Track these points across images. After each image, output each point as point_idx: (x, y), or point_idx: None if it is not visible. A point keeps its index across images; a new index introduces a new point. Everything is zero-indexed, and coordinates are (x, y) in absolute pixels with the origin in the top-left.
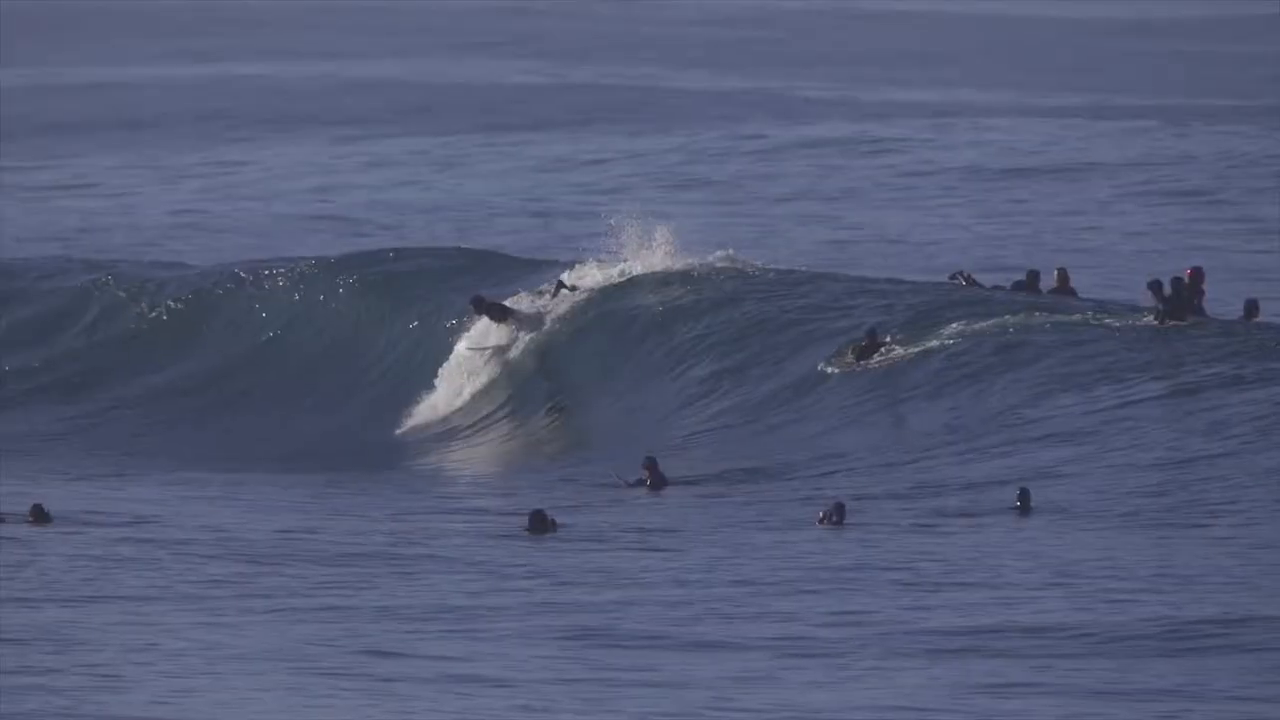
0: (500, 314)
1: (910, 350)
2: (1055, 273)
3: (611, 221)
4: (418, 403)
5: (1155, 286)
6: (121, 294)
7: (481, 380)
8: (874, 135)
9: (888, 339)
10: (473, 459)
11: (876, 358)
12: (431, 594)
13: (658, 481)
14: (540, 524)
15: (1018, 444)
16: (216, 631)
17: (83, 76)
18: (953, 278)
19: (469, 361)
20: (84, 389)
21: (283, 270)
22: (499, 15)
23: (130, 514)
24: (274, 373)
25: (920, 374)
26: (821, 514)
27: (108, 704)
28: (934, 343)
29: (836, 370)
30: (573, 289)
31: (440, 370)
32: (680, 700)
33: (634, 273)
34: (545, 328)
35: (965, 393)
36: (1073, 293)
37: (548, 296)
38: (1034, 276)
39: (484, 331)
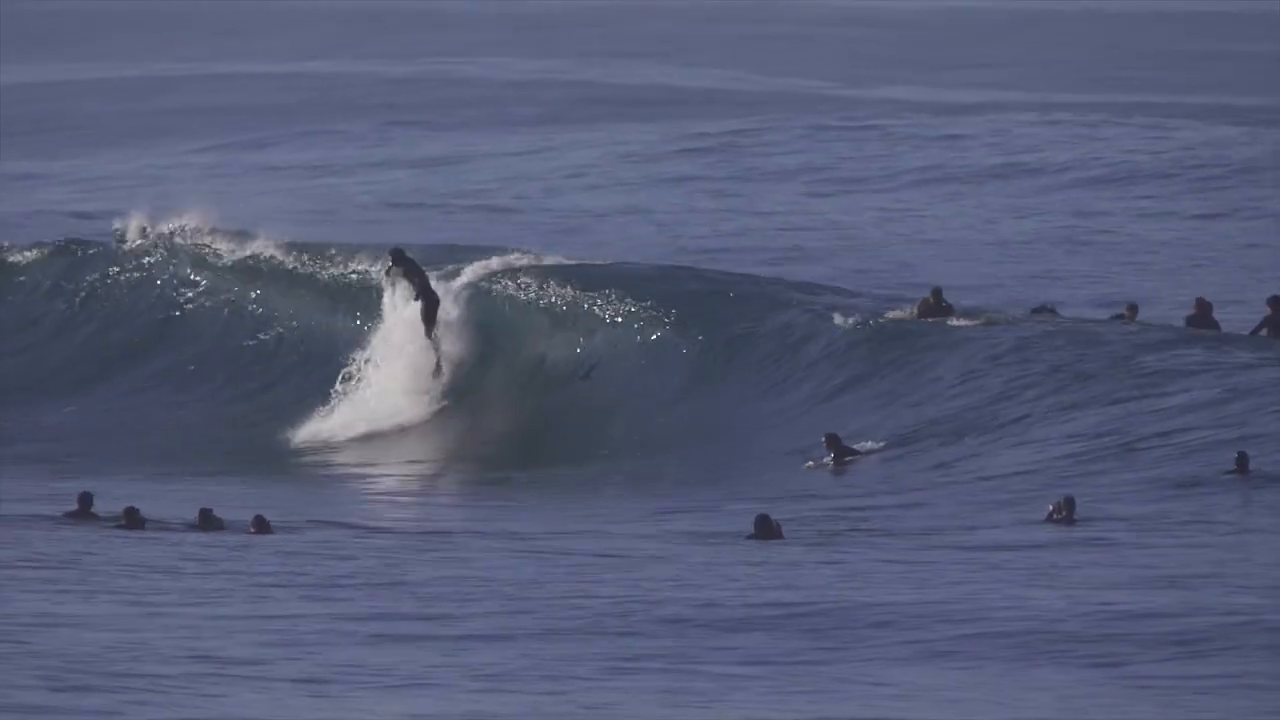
0: (414, 272)
1: (983, 319)
2: (1195, 302)
3: None
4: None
5: (1274, 302)
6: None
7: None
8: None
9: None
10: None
11: (951, 320)
12: (695, 599)
13: (841, 453)
14: (766, 529)
15: (1176, 400)
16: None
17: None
18: (1036, 310)
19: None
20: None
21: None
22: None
23: (326, 517)
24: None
25: (1015, 338)
26: (1052, 507)
27: None
28: (1006, 318)
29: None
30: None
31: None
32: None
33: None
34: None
35: (1078, 357)
36: (1216, 325)
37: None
38: (1134, 310)
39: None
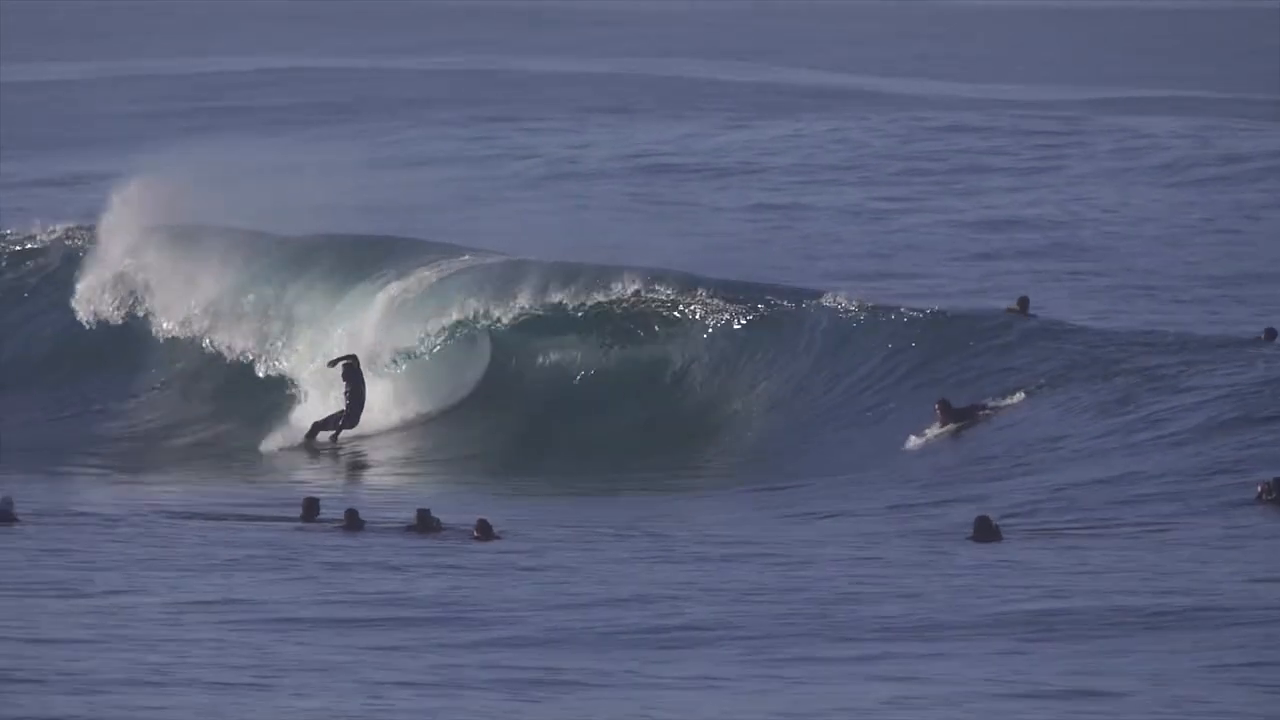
0: (358, 385)
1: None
2: None
3: None
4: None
5: None
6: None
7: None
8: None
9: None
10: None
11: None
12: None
13: (956, 418)
14: (987, 530)
15: None
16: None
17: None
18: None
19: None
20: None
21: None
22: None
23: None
24: None
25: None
26: (1261, 488)
27: None
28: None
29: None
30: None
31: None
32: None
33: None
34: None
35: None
36: None
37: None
38: (1271, 334)
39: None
